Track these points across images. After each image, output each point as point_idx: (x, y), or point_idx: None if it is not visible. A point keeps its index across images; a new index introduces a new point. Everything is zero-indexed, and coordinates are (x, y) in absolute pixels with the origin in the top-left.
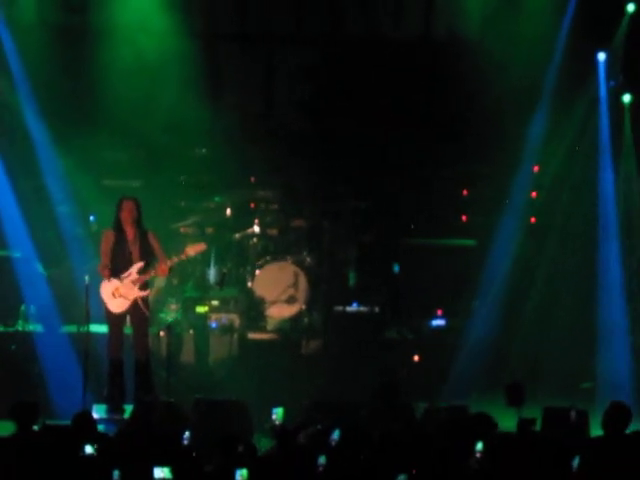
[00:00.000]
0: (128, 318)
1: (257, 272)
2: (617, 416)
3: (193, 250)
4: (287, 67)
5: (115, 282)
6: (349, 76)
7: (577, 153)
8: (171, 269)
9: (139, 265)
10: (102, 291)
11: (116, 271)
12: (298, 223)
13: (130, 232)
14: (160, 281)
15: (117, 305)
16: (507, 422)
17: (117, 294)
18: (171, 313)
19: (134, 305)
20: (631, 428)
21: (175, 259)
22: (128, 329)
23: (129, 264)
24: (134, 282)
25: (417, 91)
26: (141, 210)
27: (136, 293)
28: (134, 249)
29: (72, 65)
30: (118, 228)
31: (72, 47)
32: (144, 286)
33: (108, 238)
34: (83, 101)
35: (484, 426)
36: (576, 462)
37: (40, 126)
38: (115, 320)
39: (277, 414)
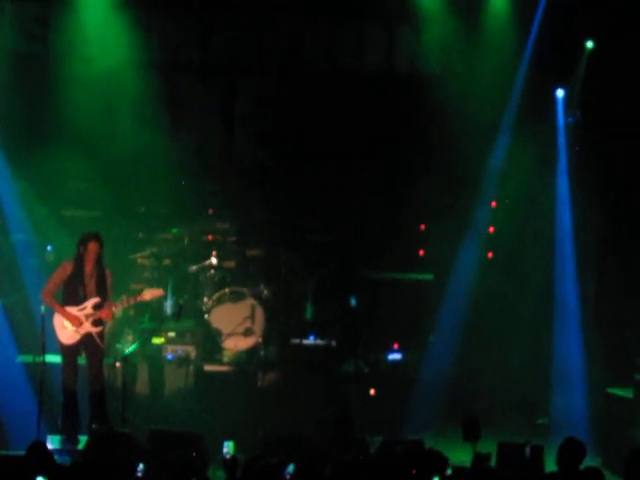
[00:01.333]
0: (82, 349)
1: (214, 304)
2: (571, 452)
3: (150, 294)
4: (247, 99)
5: (68, 314)
6: (309, 109)
7: (535, 187)
8: (114, 315)
9: (95, 300)
10: (54, 321)
11: (69, 303)
12: (255, 255)
13: (88, 268)
14: (117, 312)
15: (68, 336)
16: (463, 457)
17: (68, 326)
18: (127, 344)
19: (87, 338)
20: (585, 464)
21: (131, 300)
22: (82, 359)
23: (83, 297)
24: (87, 317)
25: (377, 124)
26: (103, 248)
27: (87, 328)
28: (90, 284)
29: (32, 93)
30: (78, 262)
31: (32, 75)
32: (98, 322)
33: (65, 269)
34: (42, 130)
35: (439, 461)
36: None
37: None
38: (68, 351)
39: (228, 447)
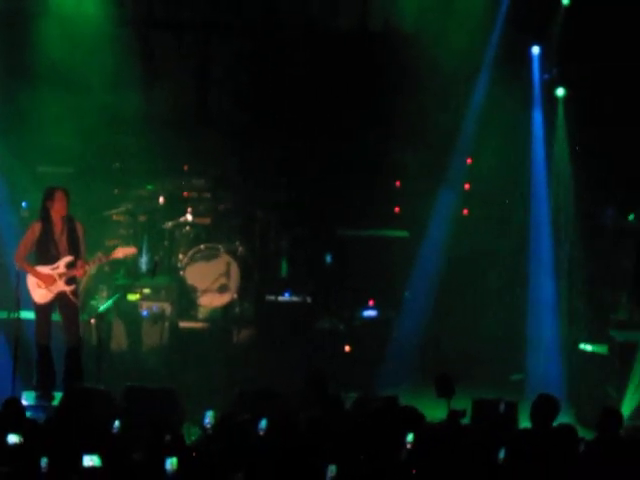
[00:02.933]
0: (56, 307)
1: (189, 261)
2: (544, 408)
3: (123, 253)
4: (222, 56)
5: (40, 274)
6: (285, 66)
7: (510, 145)
8: (87, 272)
9: (68, 259)
10: (28, 281)
11: (42, 263)
12: (230, 212)
13: (58, 223)
14: (90, 269)
15: (41, 295)
16: (437, 413)
17: (42, 285)
18: (102, 300)
19: (61, 296)
20: (559, 420)
21: (103, 259)
22: (57, 316)
23: (56, 256)
24: (60, 276)
25: (352, 82)
26: (69, 202)
27: (61, 287)
28: (61, 241)
29: (5, 50)
30: (46, 219)
31: (6, 31)
32: (71, 280)
33: (34, 230)
34: (15, 86)
35: (413, 418)
36: (502, 454)
37: None
38: (42, 309)
39: (210, 417)
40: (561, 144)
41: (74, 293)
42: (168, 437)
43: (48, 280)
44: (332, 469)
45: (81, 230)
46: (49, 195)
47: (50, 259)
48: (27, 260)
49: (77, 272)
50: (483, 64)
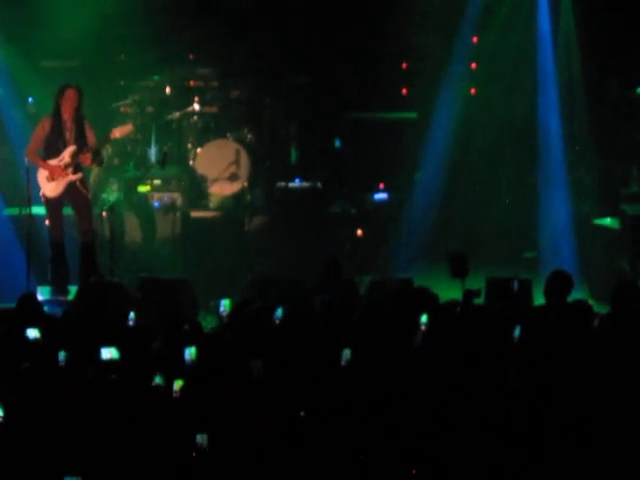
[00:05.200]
0: (67, 201)
1: (198, 150)
2: (558, 284)
3: (119, 132)
4: None
5: (50, 166)
6: None
7: (518, 23)
8: (95, 159)
9: (72, 149)
10: (38, 176)
11: (50, 156)
12: (238, 100)
13: (68, 119)
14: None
15: (51, 189)
16: (452, 294)
17: (51, 178)
18: (113, 193)
19: (71, 187)
20: (573, 296)
21: (103, 142)
22: (68, 210)
23: (63, 148)
24: (67, 166)
25: None
26: (82, 99)
27: (69, 177)
28: (69, 135)
29: None
30: (57, 115)
31: None
32: (77, 168)
33: (44, 124)
34: None
35: (427, 298)
36: (517, 332)
37: None
38: (52, 203)
39: (225, 306)
40: (567, 16)
41: (83, 183)
42: (187, 327)
43: (56, 171)
44: (346, 353)
45: (90, 130)
46: (59, 92)
47: (57, 152)
48: (38, 155)
49: (82, 159)
50: None
